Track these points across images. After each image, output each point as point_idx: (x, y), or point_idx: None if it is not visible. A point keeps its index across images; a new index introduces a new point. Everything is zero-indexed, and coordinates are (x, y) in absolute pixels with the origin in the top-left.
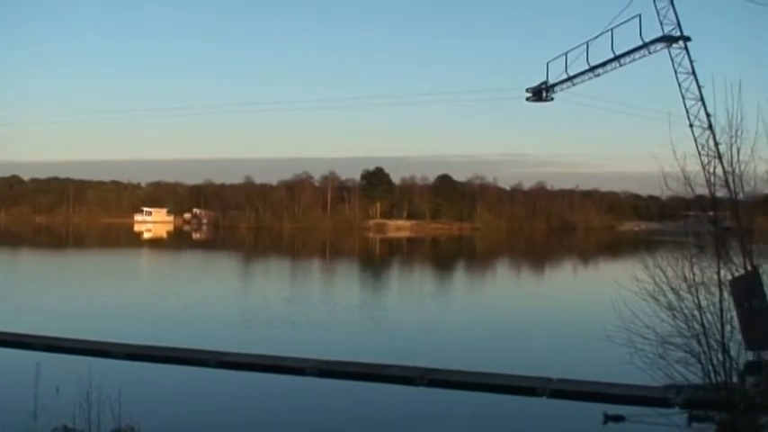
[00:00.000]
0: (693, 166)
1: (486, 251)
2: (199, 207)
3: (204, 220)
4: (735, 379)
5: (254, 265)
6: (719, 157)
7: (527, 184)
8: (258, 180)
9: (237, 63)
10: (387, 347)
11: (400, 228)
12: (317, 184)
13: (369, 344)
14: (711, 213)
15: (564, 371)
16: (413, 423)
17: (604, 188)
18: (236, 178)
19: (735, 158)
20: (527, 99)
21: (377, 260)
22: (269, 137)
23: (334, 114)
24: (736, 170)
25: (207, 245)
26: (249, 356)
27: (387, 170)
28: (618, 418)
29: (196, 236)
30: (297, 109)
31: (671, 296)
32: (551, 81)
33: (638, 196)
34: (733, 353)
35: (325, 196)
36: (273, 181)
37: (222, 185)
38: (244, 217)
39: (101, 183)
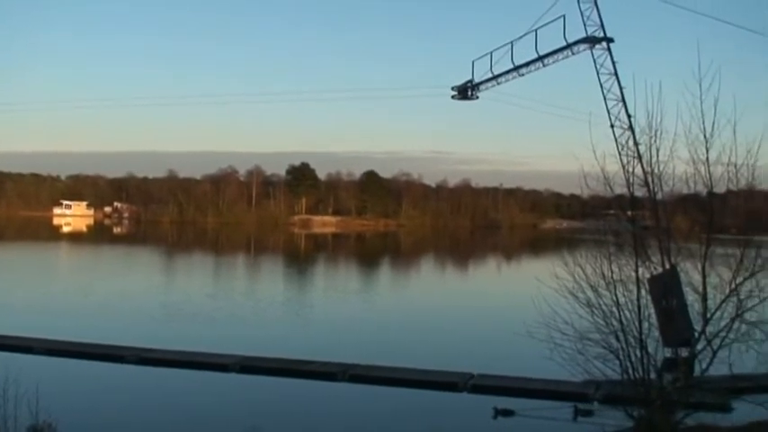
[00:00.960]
0: (614, 166)
1: (411, 247)
2: (120, 201)
3: (125, 214)
4: (652, 375)
5: (177, 261)
6: (639, 157)
7: (452, 182)
8: (182, 174)
9: (161, 54)
10: (310, 344)
11: (326, 223)
12: (242, 178)
13: (292, 340)
14: (631, 212)
15: (485, 366)
16: (334, 418)
17: (528, 186)
18: (158, 172)
19: (654, 158)
20: (453, 97)
21: (301, 256)
22: (193, 130)
23: (261, 109)
24: (655, 170)
25: (128, 239)
26: (171, 353)
27: (312, 166)
28: (507, 413)
29: (117, 230)
30: (222, 103)
31: (590, 293)
32: (477, 80)
33: (560, 195)
34: (651, 350)
35: (250, 191)
36: (197, 175)
37: (145, 179)
38: (166, 211)
39: (20, 175)
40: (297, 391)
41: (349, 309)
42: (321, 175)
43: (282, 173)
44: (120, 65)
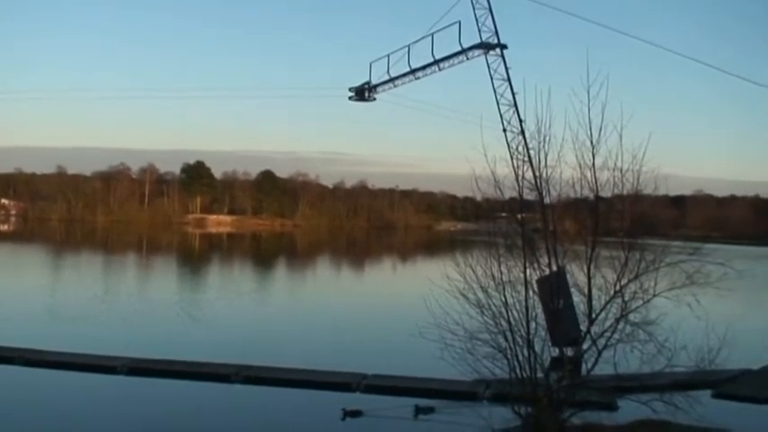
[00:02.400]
0: (506, 169)
1: (307, 248)
2: (7, 197)
3: (12, 211)
4: (540, 374)
5: (64, 259)
6: (530, 161)
7: (349, 183)
8: (71, 170)
9: (52, 47)
10: (203, 345)
11: (221, 223)
12: (134, 176)
13: (184, 341)
14: (521, 215)
15: (378, 366)
16: (228, 421)
17: (424, 188)
18: (47, 168)
19: (543, 163)
20: (350, 98)
21: (195, 255)
22: (83, 125)
23: (155, 106)
24: (544, 174)
25: (14, 237)
26: (57, 354)
27: (208, 164)
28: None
29: (2, 227)
30: (114, 98)
31: (480, 294)
32: (374, 82)
33: (455, 197)
34: (538, 349)
35: (142, 189)
36: (87, 171)
37: (33, 175)
38: (55, 208)
39: None
40: (189, 393)
41: (244, 309)
42: (217, 173)
43: (177, 171)
44: (3, 55)
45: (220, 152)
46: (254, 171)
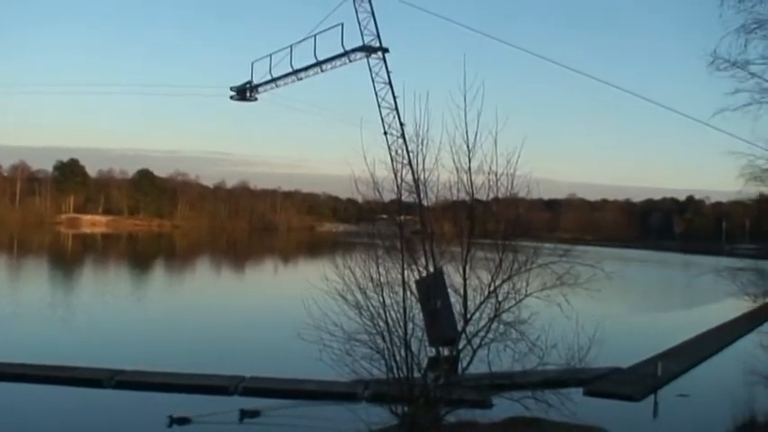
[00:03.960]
0: (385, 172)
1: (186, 249)
2: None
3: None
4: (416, 374)
5: None
6: (410, 164)
7: (230, 183)
8: None
9: None
10: (74, 349)
11: (95, 223)
12: (5, 173)
13: (54, 345)
14: (402, 217)
15: (257, 369)
16: (98, 428)
17: (306, 190)
18: None
19: (421, 166)
20: (231, 98)
21: (68, 257)
22: None
23: (27, 101)
24: (423, 177)
25: None
26: None
27: (83, 162)
28: (183, 421)
29: None
30: None
31: (359, 295)
32: (256, 81)
33: (337, 198)
34: (415, 349)
35: (13, 187)
36: None
37: None
38: None
39: None
40: (59, 397)
41: (119, 312)
42: (92, 172)
43: (49, 169)
44: None
45: (96, 150)
46: (131, 170)
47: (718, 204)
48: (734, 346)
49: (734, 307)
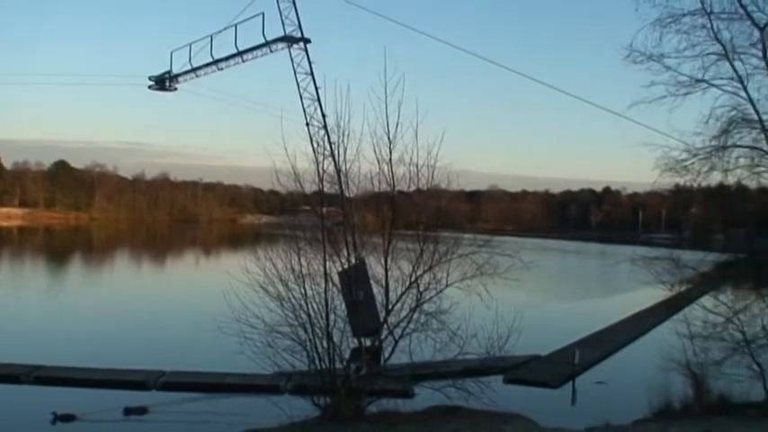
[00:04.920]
0: (306, 163)
1: (105, 242)
2: None
3: None
4: (339, 365)
5: None
6: (333, 155)
7: (150, 175)
8: None
9: None
10: None
11: (10, 216)
12: None
13: None
14: (325, 209)
15: (177, 363)
16: (16, 425)
17: (228, 181)
18: None
19: (342, 157)
20: (150, 87)
21: None
22: None
23: None
24: (345, 168)
25: None
26: None
27: None
28: (68, 418)
29: None
30: None
31: (280, 287)
32: (175, 71)
33: (260, 190)
34: (338, 340)
35: None
36: None
37: None
38: None
39: None
40: None
41: (36, 307)
42: (7, 164)
43: None
44: None
45: (11, 141)
46: (47, 161)
47: (634, 195)
48: (650, 334)
49: (649, 295)
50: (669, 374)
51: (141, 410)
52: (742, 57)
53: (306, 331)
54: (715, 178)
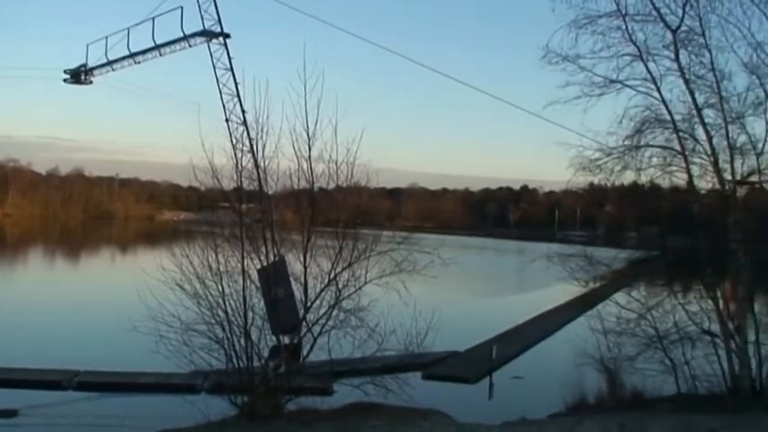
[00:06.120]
0: (224, 159)
1: (18, 239)
2: None
3: None
4: (257, 363)
5: None
6: (252, 151)
7: (64, 170)
8: None
9: None
10: None
11: None
12: None
13: None
14: (245, 206)
15: (92, 362)
16: None
17: (145, 177)
18: None
19: (262, 154)
20: (65, 81)
21: None
22: None
23: None
24: (264, 165)
25: None
26: None
27: None
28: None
29: None
30: None
31: (197, 284)
32: (91, 64)
33: (178, 186)
34: (256, 338)
35: None
36: None
37: None
38: None
39: None
40: None
41: None
42: None
43: None
44: None
45: None
46: None
47: (551, 193)
48: (565, 330)
49: (564, 292)
50: (584, 369)
51: (11, 413)
52: (655, 58)
53: (223, 329)
54: (628, 177)
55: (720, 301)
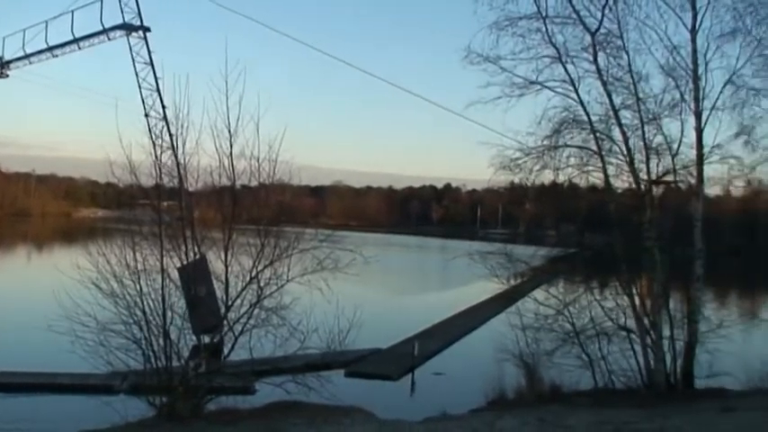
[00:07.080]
0: (143, 155)
1: None
2: None
3: None
4: (176, 363)
5: None
6: (174, 148)
7: None
8: None
9: None
10: None
11: None
12: None
13: None
14: (166, 203)
15: (5, 362)
16: None
17: (63, 173)
18: None
19: (182, 150)
20: None
21: None
22: None
23: None
24: (184, 161)
25: None
26: None
27: None
28: None
29: None
30: None
31: (114, 283)
32: (7, 57)
33: (96, 183)
34: (176, 338)
35: None
36: None
37: None
38: None
39: None
40: None
41: None
42: None
43: None
44: None
45: None
46: None
47: (473, 192)
48: (486, 326)
49: (485, 289)
50: (503, 365)
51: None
52: (574, 60)
53: (141, 329)
54: (547, 176)
55: (636, 298)
